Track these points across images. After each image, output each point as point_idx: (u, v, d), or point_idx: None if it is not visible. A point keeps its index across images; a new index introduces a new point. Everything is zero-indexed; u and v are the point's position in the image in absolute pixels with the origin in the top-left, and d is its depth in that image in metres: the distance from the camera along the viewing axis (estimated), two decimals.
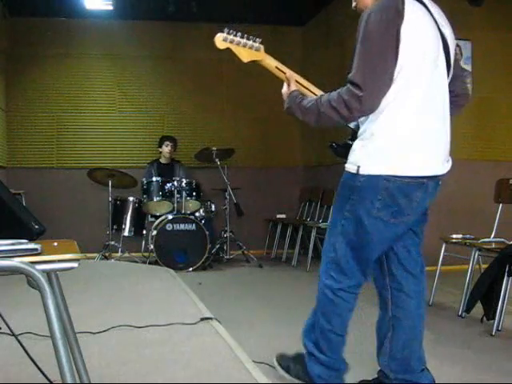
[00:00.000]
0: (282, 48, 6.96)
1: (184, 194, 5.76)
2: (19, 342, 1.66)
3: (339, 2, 6.25)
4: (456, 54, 2.12)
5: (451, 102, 2.13)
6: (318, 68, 6.67)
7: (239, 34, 2.18)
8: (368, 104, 1.88)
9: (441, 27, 1.98)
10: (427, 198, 2.02)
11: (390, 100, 1.92)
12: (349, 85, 1.89)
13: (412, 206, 1.98)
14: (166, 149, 6.34)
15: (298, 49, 7.37)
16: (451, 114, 2.16)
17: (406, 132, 1.93)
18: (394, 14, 1.86)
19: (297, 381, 2.24)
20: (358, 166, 1.97)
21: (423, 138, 1.95)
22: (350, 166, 2.02)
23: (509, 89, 5.75)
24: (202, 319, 3.04)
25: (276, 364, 2.32)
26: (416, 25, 1.89)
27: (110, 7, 6.40)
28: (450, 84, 2.09)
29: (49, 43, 6.77)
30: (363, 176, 1.96)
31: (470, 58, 5.31)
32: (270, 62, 2.21)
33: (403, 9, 1.86)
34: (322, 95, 2.04)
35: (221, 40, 2.16)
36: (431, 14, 1.95)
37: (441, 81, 1.99)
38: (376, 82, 1.88)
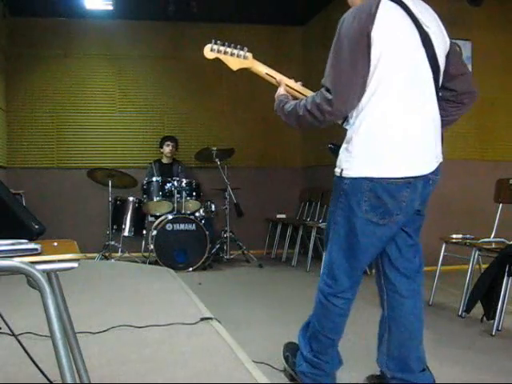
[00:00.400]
0: (282, 48, 7.00)
1: (184, 193, 5.76)
2: (19, 342, 1.66)
3: (339, 1, 6.23)
4: (453, 51, 2.12)
5: (456, 102, 2.14)
6: (319, 68, 6.64)
7: (226, 43, 2.26)
8: (338, 107, 1.93)
9: (424, 27, 1.97)
10: (417, 198, 2.01)
11: (365, 103, 1.95)
12: (322, 88, 1.96)
13: (400, 206, 1.98)
14: (167, 149, 6.35)
15: (299, 49, 7.37)
16: (456, 114, 2.16)
17: (383, 133, 1.95)
18: (365, 19, 1.88)
19: (291, 371, 2.35)
20: (342, 169, 2.02)
21: (402, 138, 1.95)
22: (336, 170, 2.07)
23: (509, 89, 5.75)
24: (202, 319, 3.04)
25: (282, 351, 2.46)
26: (388, 27, 1.90)
27: (110, 7, 6.40)
28: (449, 83, 2.10)
29: (49, 43, 6.77)
30: (347, 178, 2.00)
31: (470, 57, 5.31)
32: (260, 69, 2.26)
33: (376, 12, 1.88)
34: (301, 99, 2.09)
35: (208, 51, 2.25)
36: (411, 14, 1.95)
37: (422, 80, 1.98)
38: (345, 87, 1.92)
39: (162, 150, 6.43)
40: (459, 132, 5.33)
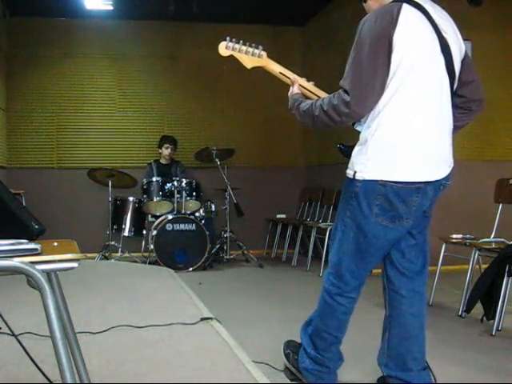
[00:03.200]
0: (282, 48, 6.99)
1: (184, 193, 5.76)
2: (19, 342, 1.66)
3: (339, 2, 6.25)
4: (467, 58, 2.13)
5: (464, 108, 2.15)
6: (319, 68, 6.67)
7: (241, 41, 2.25)
8: (355, 109, 1.93)
9: (442, 33, 1.98)
10: (426, 202, 2.03)
11: (382, 107, 1.95)
12: (340, 90, 1.95)
13: (411, 210, 1.99)
14: (166, 151, 6.35)
15: (298, 49, 7.37)
16: (464, 120, 2.18)
17: (398, 138, 1.95)
18: (387, 23, 1.88)
19: (293, 369, 2.35)
20: (355, 172, 2.02)
21: (417, 144, 1.95)
22: (348, 171, 2.07)
23: (509, 89, 5.75)
24: (202, 319, 3.04)
25: (282, 348, 2.46)
26: (410, 32, 1.90)
27: (110, 7, 6.40)
28: (460, 90, 2.11)
29: (49, 43, 6.77)
30: (359, 181, 2.00)
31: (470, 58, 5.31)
32: (274, 68, 2.25)
33: (398, 17, 1.88)
34: (317, 99, 2.09)
35: (223, 48, 2.24)
36: (431, 20, 1.96)
37: (438, 86, 1.99)
38: (363, 89, 1.92)
39: (160, 151, 6.42)
40: (459, 132, 5.32)
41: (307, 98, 2.20)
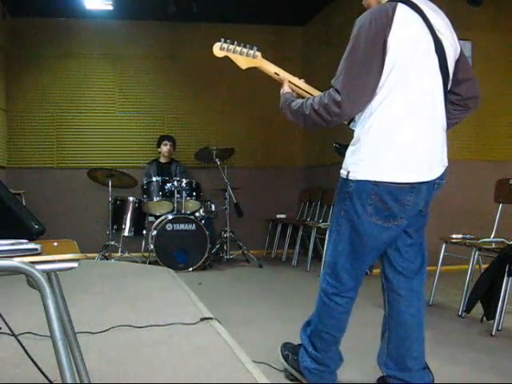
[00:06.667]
0: (282, 48, 7.00)
1: (184, 193, 5.76)
2: (19, 342, 1.66)
3: (339, 1, 6.25)
4: (463, 58, 2.13)
5: (461, 106, 2.16)
6: (318, 68, 6.66)
7: (236, 42, 2.25)
8: (346, 109, 1.92)
9: (437, 33, 1.98)
10: (421, 201, 2.03)
11: (376, 107, 1.95)
12: (331, 89, 1.95)
13: (405, 209, 1.99)
14: (165, 148, 6.36)
15: (298, 49, 7.37)
16: (460, 117, 2.18)
17: (391, 138, 1.95)
18: (382, 24, 1.88)
19: (292, 370, 2.35)
20: (348, 172, 2.02)
21: (410, 144, 1.95)
22: (342, 172, 2.07)
23: (509, 89, 5.75)
24: (202, 319, 3.03)
25: (279, 350, 2.45)
26: (404, 32, 1.90)
27: (110, 7, 6.40)
28: (455, 88, 2.11)
29: (49, 43, 6.77)
30: (353, 181, 2.00)
31: (470, 58, 5.31)
32: (268, 68, 2.26)
33: (393, 17, 1.88)
34: (308, 98, 2.08)
35: (218, 49, 2.25)
36: (426, 20, 1.95)
37: (432, 86, 1.99)
38: (356, 90, 1.92)
39: (159, 150, 6.43)
40: (459, 132, 5.33)
41: (299, 96, 2.20)
